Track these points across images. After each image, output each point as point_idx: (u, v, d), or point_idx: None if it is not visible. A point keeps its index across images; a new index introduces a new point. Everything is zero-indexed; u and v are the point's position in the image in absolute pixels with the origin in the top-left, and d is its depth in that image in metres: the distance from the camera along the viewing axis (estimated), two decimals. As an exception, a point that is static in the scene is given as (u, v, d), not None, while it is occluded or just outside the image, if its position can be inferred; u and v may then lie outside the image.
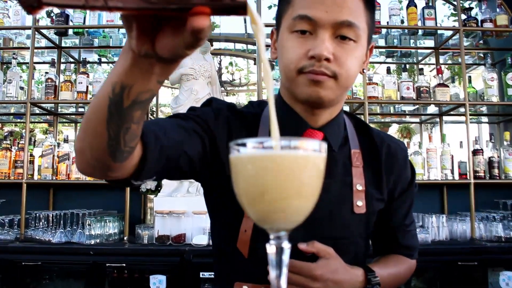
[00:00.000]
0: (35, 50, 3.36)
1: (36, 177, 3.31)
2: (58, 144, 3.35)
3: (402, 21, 3.52)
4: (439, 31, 3.65)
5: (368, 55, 1.04)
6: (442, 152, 3.35)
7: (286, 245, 0.49)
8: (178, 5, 0.45)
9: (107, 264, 2.70)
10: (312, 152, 0.47)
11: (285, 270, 0.48)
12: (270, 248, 0.49)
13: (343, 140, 1.08)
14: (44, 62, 4.05)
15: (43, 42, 3.63)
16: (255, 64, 4.71)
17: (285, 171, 0.45)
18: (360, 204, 1.03)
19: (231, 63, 5.59)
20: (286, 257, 0.48)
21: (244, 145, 0.47)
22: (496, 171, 3.31)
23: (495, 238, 2.99)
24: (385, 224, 1.17)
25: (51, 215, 3.02)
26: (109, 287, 2.76)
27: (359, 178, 1.05)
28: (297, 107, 1.03)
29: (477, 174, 3.26)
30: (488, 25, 3.40)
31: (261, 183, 0.46)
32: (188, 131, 0.95)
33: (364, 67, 1.03)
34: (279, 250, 0.49)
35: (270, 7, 4.66)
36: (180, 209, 2.91)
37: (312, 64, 0.91)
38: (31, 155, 3.27)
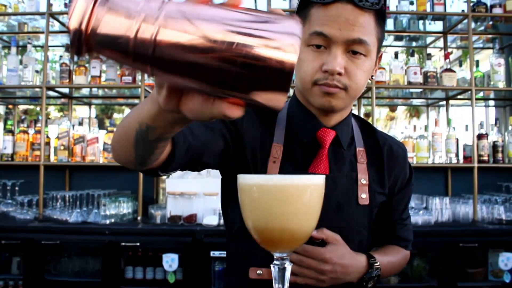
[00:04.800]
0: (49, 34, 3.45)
1: (52, 158, 3.43)
2: (73, 126, 3.45)
3: (412, 3, 3.52)
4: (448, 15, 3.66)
5: (377, 63, 1.13)
6: (447, 136, 3.40)
7: (288, 265, 0.58)
8: (219, 92, 0.49)
9: (122, 243, 2.82)
10: (311, 182, 0.55)
11: (287, 285, 0.57)
12: (274, 269, 0.57)
13: (350, 139, 1.19)
14: (57, 46, 4.13)
15: (57, 26, 3.69)
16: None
17: (288, 200, 0.53)
18: (364, 196, 1.13)
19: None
20: (288, 274, 0.57)
21: (251, 177, 0.55)
22: (500, 155, 3.36)
23: (496, 221, 3.06)
24: (386, 218, 1.27)
25: (67, 195, 3.15)
26: (124, 265, 2.91)
27: (364, 173, 1.15)
28: (311, 108, 1.13)
29: (481, 158, 3.33)
30: (497, 11, 3.40)
31: (266, 211, 0.54)
32: (214, 130, 1.05)
33: (373, 73, 1.12)
34: (282, 270, 0.57)
35: None
36: (191, 190, 3.01)
37: (325, 77, 1.01)
38: (47, 136, 3.38)
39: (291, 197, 0.53)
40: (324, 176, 0.58)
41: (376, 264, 1.11)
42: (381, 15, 1.04)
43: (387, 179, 1.21)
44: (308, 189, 0.54)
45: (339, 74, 1.00)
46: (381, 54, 1.15)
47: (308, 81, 1.04)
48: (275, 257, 0.58)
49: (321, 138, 1.12)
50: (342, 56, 1.00)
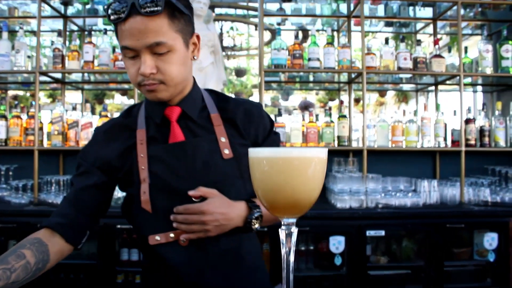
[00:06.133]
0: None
1: (45, 142, 3.45)
2: (66, 111, 3.47)
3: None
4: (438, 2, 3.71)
5: (197, 44, 1.30)
6: (436, 120, 3.48)
7: (295, 229, 0.64)
8: None
9: (117, 226, 2.87)
10: (315, 155, 0.60)
11: (293, 248, 0.63)
12: (282, 233, 0.63)
13: (202, 108, 1.36)
14: (47, 31, 4.12)
15: (48, 10, 3.68)
16: (256, 29, 4.77)
17: (294, 171, 0.59)
18: (227, 152, 1.30)
19: (232, 28, 5.65)
20: (294, 238, 0.63)
21: (261, 150, 0.61)
22: (486, 139, 3.46)
23: (482, 202, 3.16)
24: None
25: (62, 180, 3.18)
26: (119, 247, 2.96)
27: (221, 133, 1.31)
28: None
29: (468, 142, 3.42)
30: (486, -3, 3.47)
31: (274, 182, 0.60)
32: (97, 186, 1.32)
33: (195, 54, 1.30)
34: (289, 234, 0.63)
35: None
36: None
37: (143, 79, 1.18)
38: (40, 121, 3.39)
39: (296, 169, 0.59)
40: (327, 149, 0.63)
41: (255, 208, 1.25)
42: (172, 12, 1.16)
43: (248, 134, 1.37)
44: (312, 161, 0.59)
45: (152, 73, 1.17)
46: (197, 36, 1.30)
47: (135, 84, 1.23)
48: (283, 222, 0.64)
49: (168, 115, 1.30)
50: (151, 59, 1.16)
